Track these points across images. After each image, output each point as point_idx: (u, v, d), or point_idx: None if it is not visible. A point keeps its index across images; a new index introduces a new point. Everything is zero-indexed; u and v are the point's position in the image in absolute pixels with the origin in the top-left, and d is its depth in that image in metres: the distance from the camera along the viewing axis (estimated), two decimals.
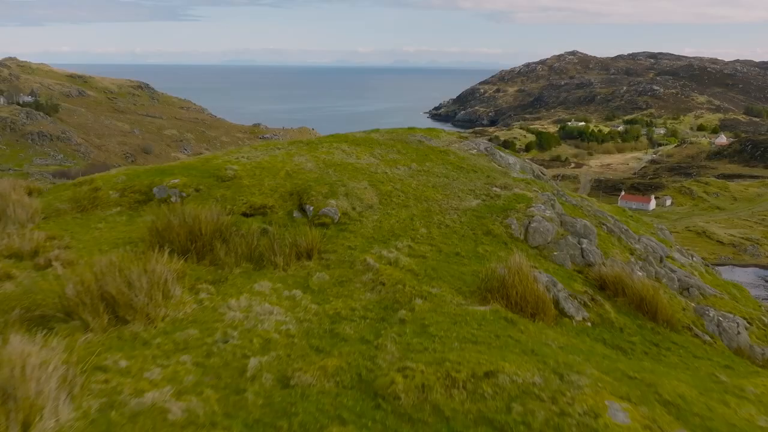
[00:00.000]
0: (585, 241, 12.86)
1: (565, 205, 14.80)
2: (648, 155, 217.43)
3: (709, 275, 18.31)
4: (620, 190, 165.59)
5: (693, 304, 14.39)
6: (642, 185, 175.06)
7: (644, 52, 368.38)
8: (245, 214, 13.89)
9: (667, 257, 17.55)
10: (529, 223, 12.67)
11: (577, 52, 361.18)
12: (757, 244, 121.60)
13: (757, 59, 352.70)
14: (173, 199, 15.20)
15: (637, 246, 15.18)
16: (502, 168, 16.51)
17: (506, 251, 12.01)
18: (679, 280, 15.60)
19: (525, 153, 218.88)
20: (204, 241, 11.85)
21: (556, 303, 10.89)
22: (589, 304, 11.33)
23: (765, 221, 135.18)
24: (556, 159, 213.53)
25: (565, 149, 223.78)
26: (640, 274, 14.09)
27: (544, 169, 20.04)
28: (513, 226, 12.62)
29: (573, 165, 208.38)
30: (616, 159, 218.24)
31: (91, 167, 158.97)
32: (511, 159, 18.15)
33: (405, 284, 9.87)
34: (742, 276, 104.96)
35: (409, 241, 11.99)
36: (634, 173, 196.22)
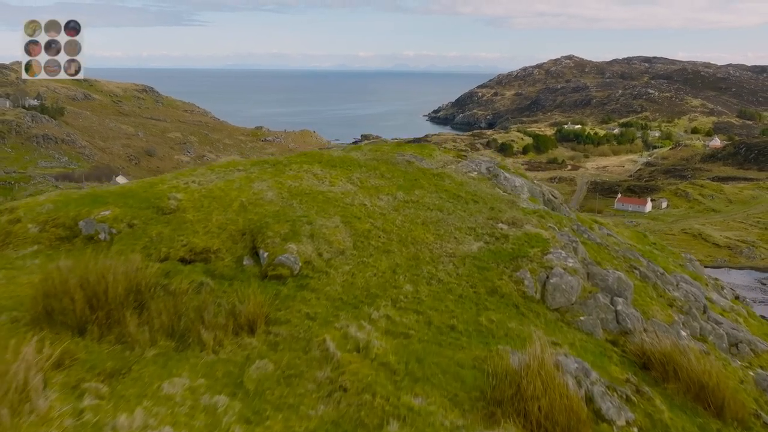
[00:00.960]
0: (620, 300, 9.50)
1: (588, 244, 11.47)
2: (643, 158, 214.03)
3: (753, 319, 14.99)
4: (616, 193, 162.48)
5: (752, 373, 11.05)
6: (638, 187, 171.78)
7: (639, 57, 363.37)
8: (183, 260, 10.54)
9: (706, 299, 14.22)
10: (548, 277, 9.32)
11: (573, 56, 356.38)
12: (753, 246, 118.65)
13: (749, 63, 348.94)
14: (102, 236, 11.86)
15: (676, 294, 11.83)
16: (508, 195, 13.16)
17: (519, 320, 8.65)
18: (726, 334, 12.27)
19: (522, 155, 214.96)
20: (112, 307, 8.49)
21: (590, 400, 7.56)
22: (633, 398, 7.99)
23: (760, 223, 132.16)
24: (553, 161, 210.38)
25: (561, 152, 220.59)
26: (684, 334, 10.74)
27: (556, 192, 16.64)
28: (526, 282, 9.26)
29: (569, 167, 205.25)
30: (611, 161, 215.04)
31: (94, 169, 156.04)
32: (518, 181, 14.77)
33: (376, 392, 6.51)
34: (739, 278, 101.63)
35: (389, 306, 8.63)
36: (630, 175, 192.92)
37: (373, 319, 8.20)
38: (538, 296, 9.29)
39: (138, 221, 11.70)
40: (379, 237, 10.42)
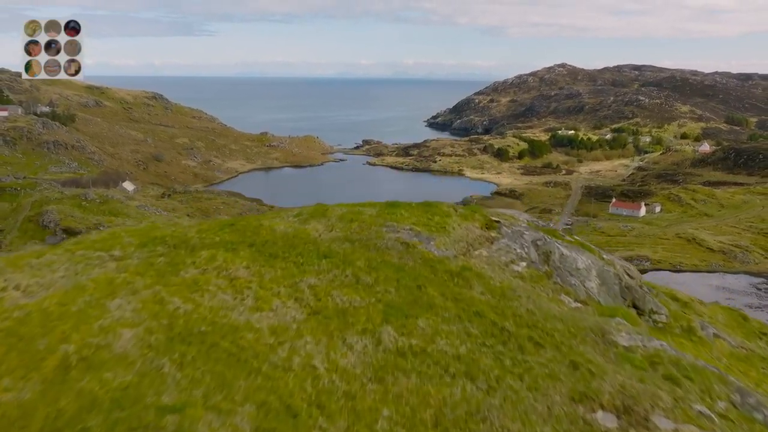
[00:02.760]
0: None
1: None
2: (635, 162, 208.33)
3: None
4: (611, 197, 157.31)
5: None
6: (631, 192, 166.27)
7: (628, 65, 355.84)
8: None
9: None
10: None
11: (566, 64, 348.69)
12: (747, 251, 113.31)
13: (733, 71, 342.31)
14: None
15: None
16: (589, 315, 6.79)
17: None
18: None
19: (518, 160, 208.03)
20: None
21: None
22: None
23: (752, 228, 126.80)
24: (548, 166, 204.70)
25: (556, 156, 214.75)
26: None
27: (633, 269, 10.09)
28: None
29: (564, 172, 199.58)
30: (604, 166, 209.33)
31: (103, 174, 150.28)
32: (581, 260, 8.50)
33: None
34: (734, 283, 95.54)
35: None
36: (623, 180, 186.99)
37: None
38: None
39: None
40: None
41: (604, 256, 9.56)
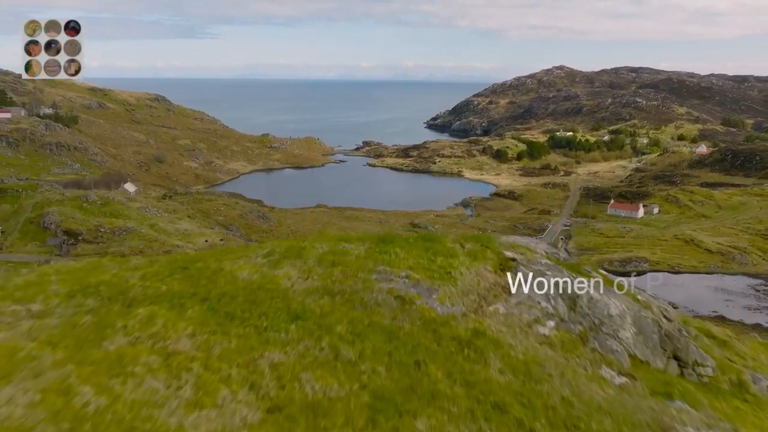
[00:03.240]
0: None
1: None
2: (632, 163, 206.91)
3: None
4: (609, 198, 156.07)
5: None
6: (630, 193, 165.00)
7: (626, 67, 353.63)
8: None
9: None
10: None
11: (564, 66, 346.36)
12: (745, 252, 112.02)
13: (729, 73, 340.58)
14: None
15: None
16: (626, 384, 5.11)
17: None
18: None
19: (517, 161, 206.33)
20: None
21: None
22: None
23: (750, 229, 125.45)
24: (546, 167, 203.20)
25: (554, 158, 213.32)
26: None
27: (671, 310, 8.40)
28: None
29: (562, 173, 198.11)
30: (602, 167, 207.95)
31: (105, 176, 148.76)
32: (614, 305, 6.85)
33: None
34: (732, 284, 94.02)
35: None
36: (621, 181, 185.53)
37: None
38: None
39: None
40: None
41: (639, 297, 7.82)
